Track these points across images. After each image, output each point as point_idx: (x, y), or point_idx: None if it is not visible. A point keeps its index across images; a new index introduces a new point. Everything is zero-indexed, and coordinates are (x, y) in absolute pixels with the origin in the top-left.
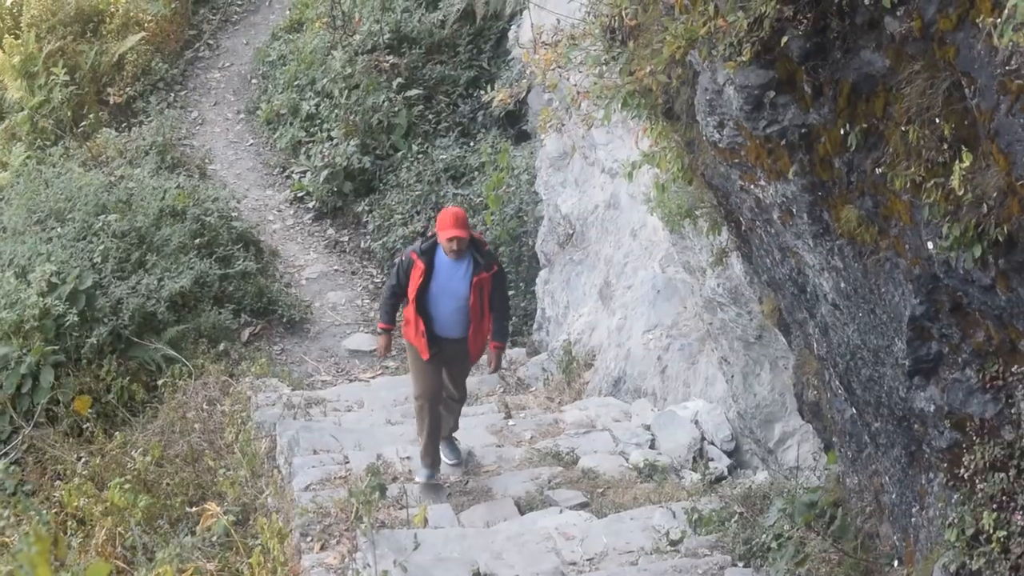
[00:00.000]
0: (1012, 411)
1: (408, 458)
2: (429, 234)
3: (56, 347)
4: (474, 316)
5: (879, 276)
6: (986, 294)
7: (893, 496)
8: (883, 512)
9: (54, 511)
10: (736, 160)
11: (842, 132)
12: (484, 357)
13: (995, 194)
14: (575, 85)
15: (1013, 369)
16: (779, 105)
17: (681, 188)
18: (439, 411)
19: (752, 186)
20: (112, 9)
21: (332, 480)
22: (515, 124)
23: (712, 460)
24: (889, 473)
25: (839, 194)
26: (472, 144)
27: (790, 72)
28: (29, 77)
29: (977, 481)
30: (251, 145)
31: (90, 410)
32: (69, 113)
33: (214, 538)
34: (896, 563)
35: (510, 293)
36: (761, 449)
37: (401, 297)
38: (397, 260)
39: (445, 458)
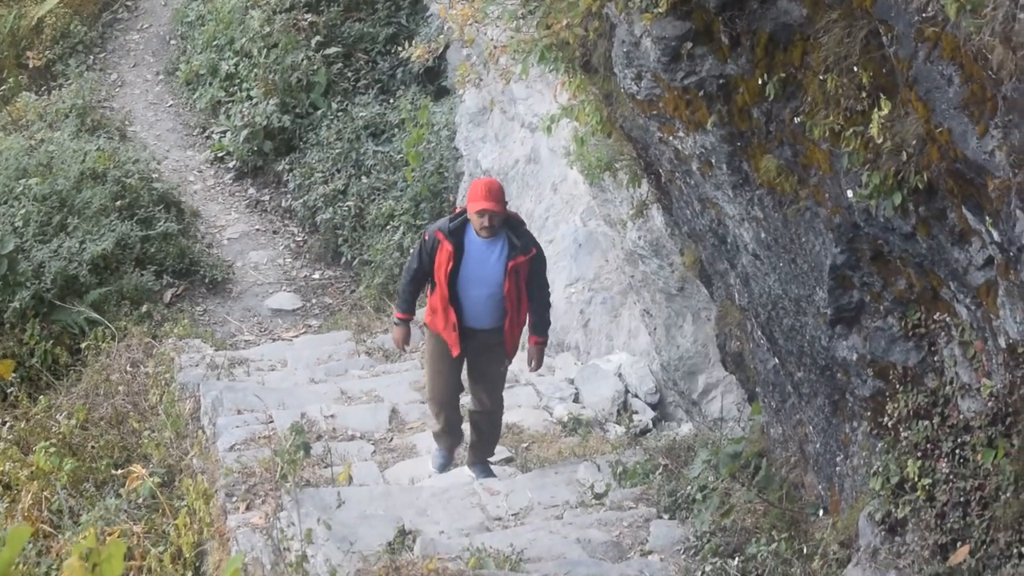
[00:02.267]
0: (935, 359)
1: (332, 416)
2: (457, 209)
3: None
4: (510, 306)
5: (799, 226)
6: (907, 242)
7: (817, 446)
8: (807, 462)
9: None
10: (654, 112)
11: (760, 82)
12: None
13: (914, 141)
14: (493, 40)
15: (935, 317)
16: (696, 56)
17: (600, 141)
18: (456, 410)
19: (671, 137)
20: None
21: (256, 440)
22: (434, 80)
23: (636, 413)
24: (813, 423)
25: (758, 144)
26: (391, 101)
27: (707, 23)
28: None
29: (901, 429)
30: (171, 106)
31: (13, 374)
32: None
33: (140, 500)
34: (821, 512)
35: None
36: (685, 401)
37: (423, 282)
38: (419, 240)
39: (478, 476)
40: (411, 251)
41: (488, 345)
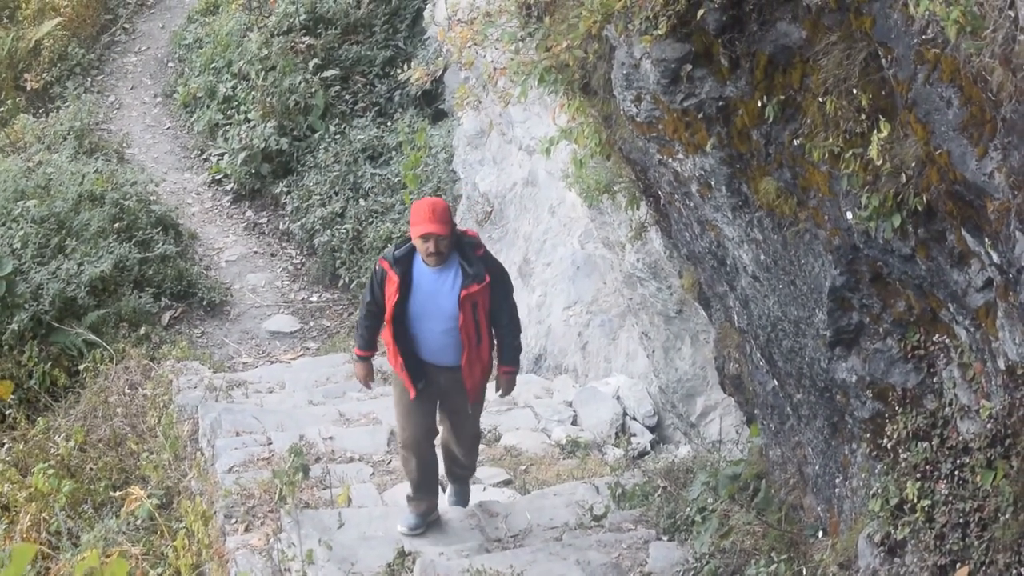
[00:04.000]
0: (934, 380)
1: (331, 438)
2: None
3: None
4: (466, 340)
5: (799, 247)
6: (906, 264)
7: (816, 467)
8: (806, 484)
9: None
10: (654, 134)
11: (759, 104)
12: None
13: (913, 163)
14: (491, 62)
15: (934, 338)
16: (696, 78)
17: (599, 163)
18: (432, 458)
19: (670, 160)
20: None
21: (255, 461)
22: (432, 103)
23: (634, 435)
24: (812, 444)
25: (757, 166)
26: (389, 124)
27: (707, 45)
28: None
29: (900, 451)
30: (168, 128)
31: (12, 396)
32: None
33: (138, 522)
34: (820, 534)
35: None
36: (683, 423)
37: (380, 316)
38: (372, 272)
39: (448, 502)
40: (367, 282)
41: (452, 384)
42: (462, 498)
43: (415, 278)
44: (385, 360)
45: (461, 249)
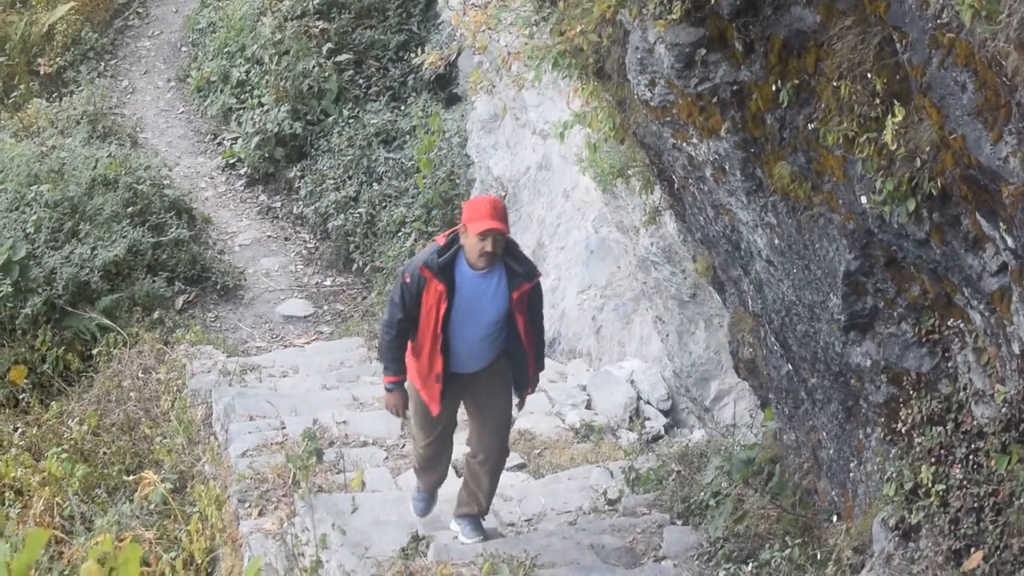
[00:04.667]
0: (948, 365)
1: (345, 422)
2: (441, 239)
3: None
4: (529, 347)
5: (813, 232)
6: (921, 248)
7: (831, 452)
8: (821, 468)
9: None
10: (668, 118)
11: (774, 88)
12: None
13: (928, 148)
14: (505, 46)
15: (949, 323)
16: (710, 63)
17: (613, 148)
18: (447, 460)
19: (684, 144)
20: None
21: (269, 446)
22: (446, 87)
23: (648, 419)
24: (826, 429)
25: (772, 150)
26: (403, 108)
27: (721, 29)
28: None
29: (915, 435)
30: (182, 113)
31: (25, 380)
32: (0, 84)
33: (152, 506)
34: (835, 518)
35: None
36: (697, 407)
37: (409, 333)
38: (397, 283)
39: (464, 535)
40: (389, 297)
41: (478, 385)
42: (478, 527)
43: (459, 284)
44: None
45: (507, 249)
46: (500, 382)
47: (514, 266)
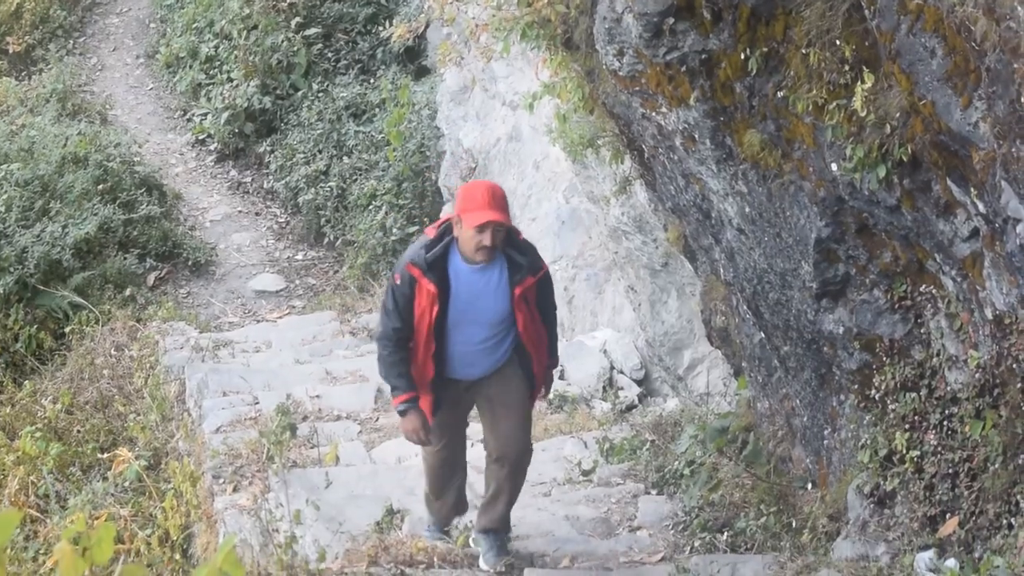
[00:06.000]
0: (921, 331)
1: (318, 396)
2: (434, 229)
3: None
4: (531, 345)
5: (784, 199)
6: (892, 214)
7: (804, 419)
8: (795, 435)
9: None
10: (637, 88)
11: (743, 57)
12: None
13: (898, 114)
14: (473, 18)
15: (921, 289)
16: (678, 32)
17: (583, 118)
18: (463, 472)
19: (654, 113)
20: None
21: (242, 421)
22: (415, 59)
23: (622, 389)
24: (800, 396)
25: (741, 119)
26: (372, 81)
27: None
28: None
29: (888, 402)
30: (151, 89)
31: None
32: None
33: (126, 483)
34: (810, 486)
35: (414, 230)
36: (671, 376)
37: (409, 341)
38: (388, 287)
39: (484, 561)
40: (381, 305)
41: (482, 385)
42: (503, 551)
43: (453, 282)
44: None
45: (508, 239)
46: (515, 381)
47: (516, 257)
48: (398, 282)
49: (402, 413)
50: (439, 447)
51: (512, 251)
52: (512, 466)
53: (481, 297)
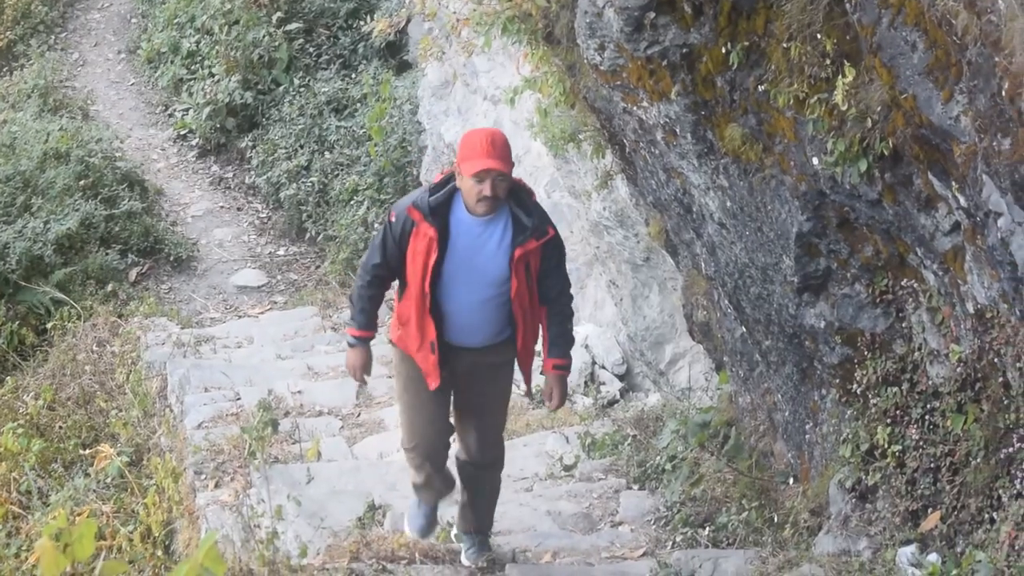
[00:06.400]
0: (903, 325)
1: (300, 392)
2: (437, 178)
3: None
4: (520, 313)
5: (765, 194)
6: (873, 208)
7: (786, 414)
8: (777, 430)
9: None
10: (618, 82)
11: (724, 51)
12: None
13: (879, 108)
14: (454, 13)
15: (902, 283)
16: (659, 26)
17: (564, 112)
18: (447, 475)
19: (635, 108)
20: None
21: (224, 417)
22: (396, 54)
23: (603, 384)
24: (781, 391)
25: (722, 113)
26: (354, 76)
27: None
28: None
29: (870, 396)
30: (133, 84)
31: None
32: None
33: (108, 479)
34: (791, 480)
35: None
36: (652, 371)
37: (387, 283)
38: (381, 224)
39: (465, 556)
40: (372, 239)
41: (480, 366)
42: (484, 549)
43: (454, 231)
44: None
45: (515, 196)
46: (506, 370)
47: (522, 217)
48: (392, 220)
49: (351, 345)
50: (421, 428)
51: (519, 210)
52: (490, 470)
53: (481, 252)
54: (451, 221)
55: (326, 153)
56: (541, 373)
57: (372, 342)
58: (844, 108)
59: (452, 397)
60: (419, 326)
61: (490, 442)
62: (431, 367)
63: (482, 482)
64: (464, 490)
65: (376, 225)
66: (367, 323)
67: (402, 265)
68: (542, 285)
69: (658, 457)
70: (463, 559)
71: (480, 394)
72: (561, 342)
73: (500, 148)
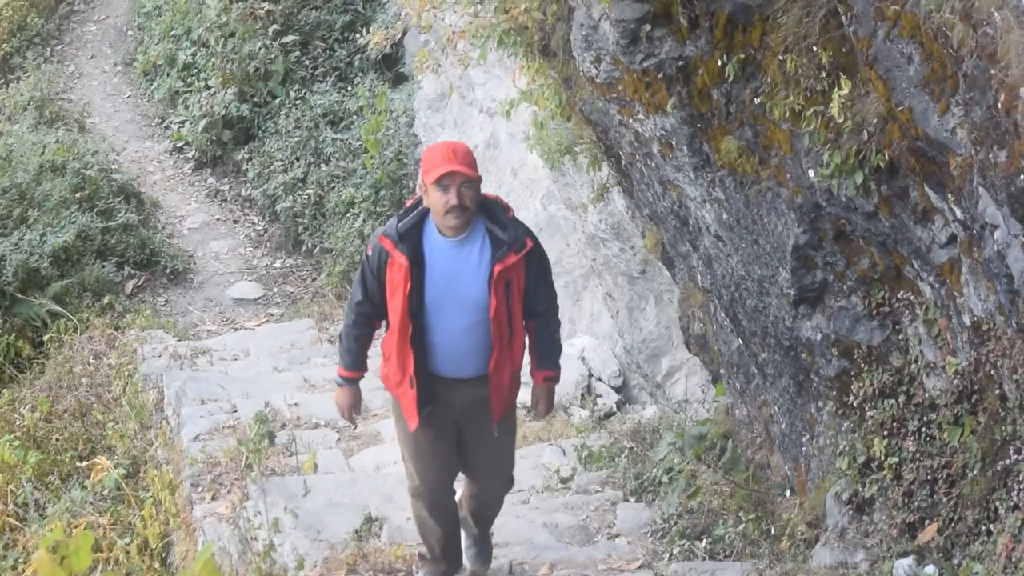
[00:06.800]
0: (899, 337)
1: (296, 404)
2: (408, 202)
3: None
4: (497, 335)
5: (761, 206)
6: (869, 221)
7: (783, 426)
8: (773, 442)
9: None
10: (614, 95)
11: (720, 63)
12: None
13: (875, 120)
14: (450, 25)
15: (899, 295)
16: (655, 38)
17: (560, 125)
18: (453, 509)
19: (631, 120)
20: None
21: (221, 429)
22: (392, 67)
23: (600, 396)
24: (778, 403)
25: (718, 125)
26: (350, 88)
27: (666, 5)
28: None
29: (867, 408)
30: (129, 97)
31: None
32: None
33: (105, 492)
34: (788, 493)
35: None
36: (649, 384)
37: (373, 320)
38: (361, 260)
39: (467, 559)
40: (355, 277)
41: (478, 400)
42: (485, 554)
43: (428, 256)
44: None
45: (486, 210)
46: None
47: (497, 233)
48: (369, 254)
49: (339, 385)
50: (422, 471)
51: (494, 226)
52: (497, 504)
53: (459, 276)
54: (424, 246)
55: (322, 165)
56: (531, 383)
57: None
58: (840, 120)
59: (457, 438)
60: (400, 359)
61: (500, 487)
62: (410, 404)
63: (486, 510)
64: (467, 516)
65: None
66: (354, 363)
67: (384, 300)
68: (528, 300)
69: (655, 469)
70: (464, 560)
71: (482, 431)
72: (551, 353)
73: (462, 155)
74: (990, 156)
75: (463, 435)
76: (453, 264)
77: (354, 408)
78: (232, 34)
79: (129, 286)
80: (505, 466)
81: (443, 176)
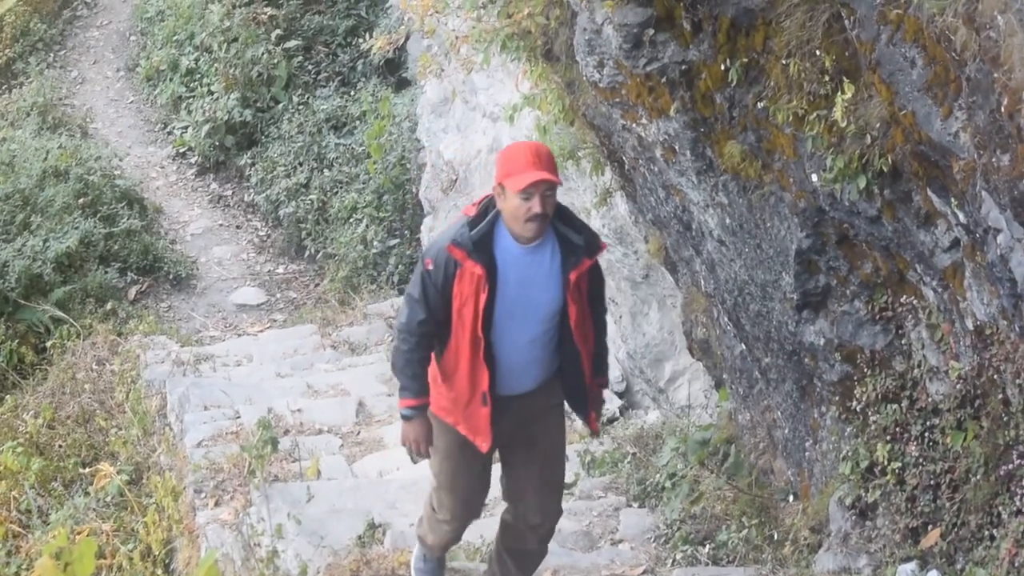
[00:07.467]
0: (902, 342)
1: (299, 410)
2: (473, 207)
3: None
4: (580, 340)
5: (764, 211)
6: (872, 225)
7: (786, 431)
8: (776, 447)
9: None
10: (617, 99)
11: (723, 67)
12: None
13: (878, 124)
14: (454, 30)
15: (902, 299)
16: (659, 43)
17: (563, 130)
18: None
19: (634, 124)
20: None
21: (224, 435)
22: (395, 72)
23: (603, 402)
24: (781, 408)
25: (721, 130)
26: (353, 93)
27: (669, 9)
28: None
29: (870, 413)
30: (131, 102)
31: None
32: None
33: (108, 498)
34: (791, 498)
35: (395, 243)
36: (652, 389)
37: (434, 340)
38: (416, 274)
39: None
40: (405, 294)
41: (531, 413)
42: None
43: (501, 266)
44: None
45: (557, 212)
46: (558, 412)
47: (571, 236)
48: (430, 267)
49: (406, 418)
50: (461, 489)
51: (566, 229)
52: (547, 531)
53: (532, 285)
54: (496, 254)
55: (325, 171)
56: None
57: (366, 348)
58: (843, 125)
59: (500, 458)
60: (470, 378)
61: (551, 506)
62: (482, 424)
63: (534, 542)
64: (509, 559)
65: (374, 242)
66: (422, 390)
67: (448, 316)
68: (592, 305)
69: (658, 475)
70: None
71: (533, 445)
72: (606, 359)
73: (546, 159)
74: (993, 160)
75: (513, 451)
76: (527, 272)
77: (428, 439)
78: (235, 39)
79: (132, 292)
80: (558, 480)
81: (530, 185)
